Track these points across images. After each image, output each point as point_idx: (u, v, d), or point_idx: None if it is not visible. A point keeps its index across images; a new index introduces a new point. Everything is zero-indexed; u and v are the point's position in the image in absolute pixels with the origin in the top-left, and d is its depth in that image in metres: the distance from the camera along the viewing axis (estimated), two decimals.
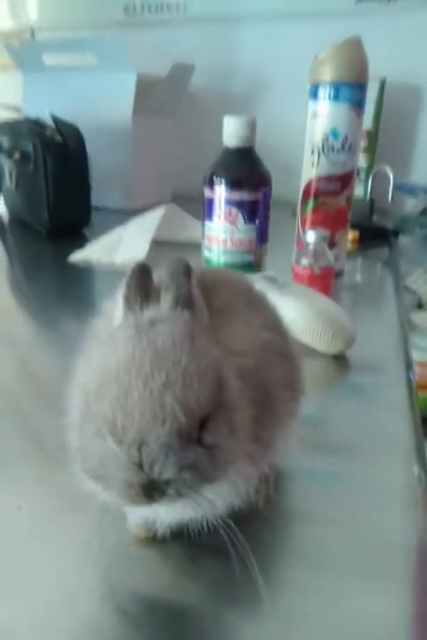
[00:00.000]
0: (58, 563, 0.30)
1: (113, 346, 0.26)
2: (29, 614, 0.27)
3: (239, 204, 0.66)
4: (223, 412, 0.25)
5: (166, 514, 0.28)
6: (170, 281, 0.28)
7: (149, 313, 0.27)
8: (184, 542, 0.31)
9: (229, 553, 0.27)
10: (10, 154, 1.01)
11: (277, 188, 0.74)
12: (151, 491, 0.24)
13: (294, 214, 0.87)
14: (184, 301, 0.27)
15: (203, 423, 0.25)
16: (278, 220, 0.82)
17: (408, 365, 0.55)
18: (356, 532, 0.33)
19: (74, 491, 0.28)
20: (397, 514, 0.35)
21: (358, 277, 0.87)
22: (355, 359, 0.55)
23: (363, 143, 1.16)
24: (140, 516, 0.30)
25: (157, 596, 0.28)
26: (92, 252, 0.86)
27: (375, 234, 1.05)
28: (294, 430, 0.35)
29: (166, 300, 0.28)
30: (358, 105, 0.75)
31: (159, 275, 0.30)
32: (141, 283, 0.28)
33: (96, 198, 1.10)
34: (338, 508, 0.35)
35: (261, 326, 0.32)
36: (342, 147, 0.77)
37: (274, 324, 0.34)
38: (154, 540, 0.31)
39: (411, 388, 0.51)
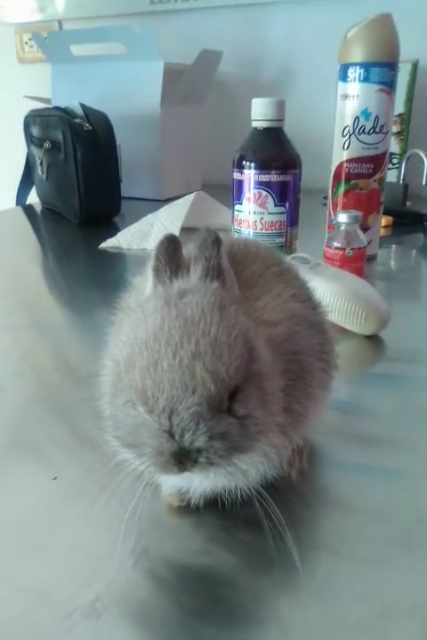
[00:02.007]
0: (92, 528, 0.31)
1: (142, 317, 0.26)
2: (64, 577, 0.27)
3: (269, 186, 0.66)
4: (254, 382, 0.25)
5: (200, 483, 0.28)
6: (199, 252, 0.28)
7: (178, 284, 0.27)
8: (218, 512, 0.31)
9: (262, 524, 0.27)
10: (40, 143, 1.02)
11: (307, 176, 0.73)
12: (182, 459, 0.24)
13: (325, 203, 0.85)
14: (213, 272, 0.27)
15: (233, 394, 0.24)
16: (309, 209, 0.80)
17: None
18: (396, 515, 0.32)
19: (107, 462, 0.28)
20: None
21: (393, 264, 0.85)
22: (390, 343, 0.54)
23: (396, 127, 1.13)
24: (174, 484, 0.30)
25: (190, 563, 0.28)
26: (123, 239, 0.87)
27: (410, 219, 1.02)
28: (327, 404, 0.34)
29: (195, 272, 0.27)
30: (389, 85, 0.73)
31: (188, 249, 0.30)
32: (170, 254, 0.28)
33: (126, 189, 1.11)
34: (373, 499, 0.33)
35: (291, 298, 0.31)
36: (374, 128, 0.75)
37: (305, 295, 0.34)
38: (187, 508, 0.31)
39: None
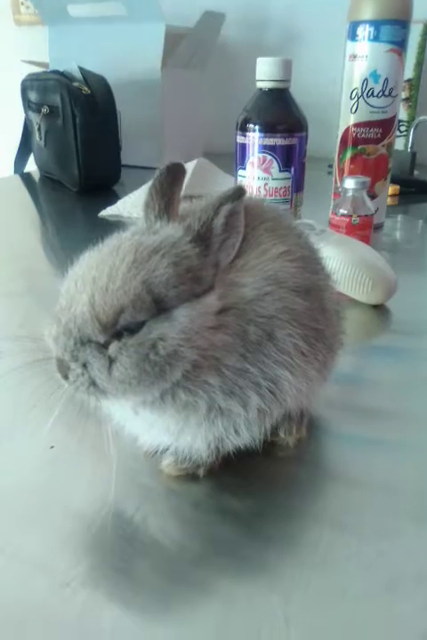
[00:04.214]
0: (90, 497, 0.30)
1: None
2: (62, 546, 0.27)
3: (274, 150, 0.63)
4: (146, 337, 0.25)
5: (196, 450, 0.28)
6: (203, 208, 0.27)
7: (153, 225, 0.28)
8: (219, 481, 0.30)
9: (267, 494, 0.26)
10: (38, 109, 0.99)
11: (312, 143, 0.70)
12: (59, 366, 0.26)
13: (331, 172, 0.83)
14: (194, 231, 0.27)
15: (118, 335, 0.25)
16: (314, 176, 0.78)
17: None
18: (400, 486, 0.31)
19: (105, 430, 0.27)
20: None
21: (399, 234, 0.83)
22: (396, 314, 0.52)
23: (404, 93, 1.10)
24: (172, 453, 0.29)
25: (190, 532, 0.27)
26: (123, 207, 0.85)
27: (417, 189, 1.00)
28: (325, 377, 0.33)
29: (184, 222, 0.27)
30: (400, 45, 0.70)
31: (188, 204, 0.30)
32: (165, 189, 0.28)
33: (125, 156, 1.08)
34: (377, 472, 0.32)
35: (280, 255, 0.29)
36: (383, 90, 0.72)
37: (300, 255, 0.30)
38: (187, 478, 0.30)
39: None
